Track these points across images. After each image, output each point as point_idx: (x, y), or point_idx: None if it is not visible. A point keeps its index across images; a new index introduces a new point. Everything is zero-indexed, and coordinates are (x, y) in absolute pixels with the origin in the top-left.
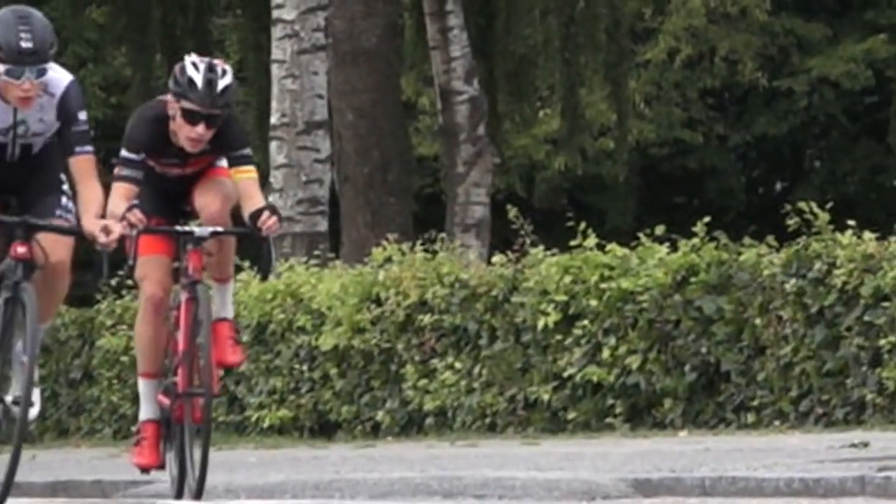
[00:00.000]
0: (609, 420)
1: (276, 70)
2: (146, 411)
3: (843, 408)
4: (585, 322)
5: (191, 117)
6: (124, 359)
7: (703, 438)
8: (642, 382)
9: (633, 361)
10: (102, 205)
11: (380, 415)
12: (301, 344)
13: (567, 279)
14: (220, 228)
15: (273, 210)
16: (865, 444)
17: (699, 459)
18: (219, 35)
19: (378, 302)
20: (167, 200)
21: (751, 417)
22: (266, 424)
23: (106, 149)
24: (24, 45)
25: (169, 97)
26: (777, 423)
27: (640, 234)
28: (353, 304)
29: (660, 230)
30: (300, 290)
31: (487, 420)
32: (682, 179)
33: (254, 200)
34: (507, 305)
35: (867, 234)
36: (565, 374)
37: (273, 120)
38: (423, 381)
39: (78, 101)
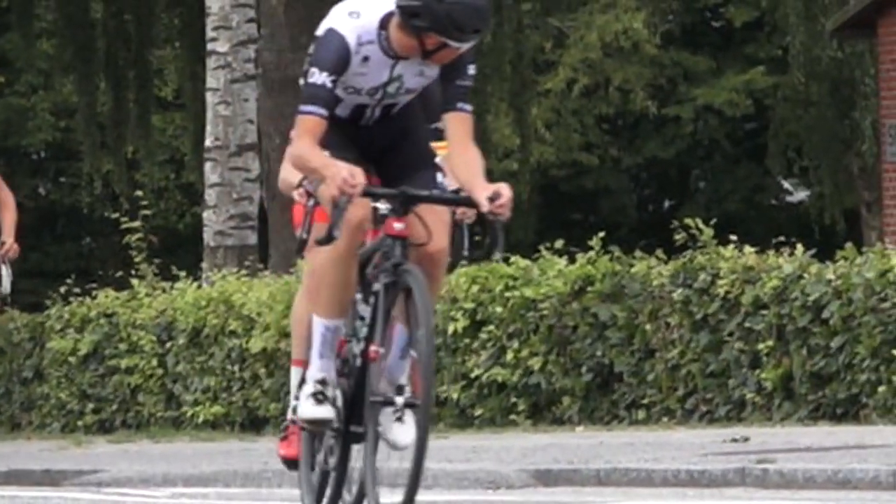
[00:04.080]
0: (512, 416)
1: (210, 97)
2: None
3: (725, 406)
4: (491, 327)
5: None
6: (72, 359)
7: (598, 433)
8: (543, 382)
9: (535, 363)
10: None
11: None
12: (233, 346)
13: (475, 288)
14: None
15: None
16: (746, 439)
17: (594, 452)
18: (158, 65)
19: None
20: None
21: (641, 414)
22: (201, 419)
23: (56, 167)
24: (486, 9)
25: None
26: (665, 419)
27: (541, 248)
28: (280, 311)
29: (559, 244)
30: (232, 297)
31: None
32: (580, 198)
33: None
34: None
35: (747, 248)
36: (473, 375)
37: (207, 143)
38: None
39: (470, 54)
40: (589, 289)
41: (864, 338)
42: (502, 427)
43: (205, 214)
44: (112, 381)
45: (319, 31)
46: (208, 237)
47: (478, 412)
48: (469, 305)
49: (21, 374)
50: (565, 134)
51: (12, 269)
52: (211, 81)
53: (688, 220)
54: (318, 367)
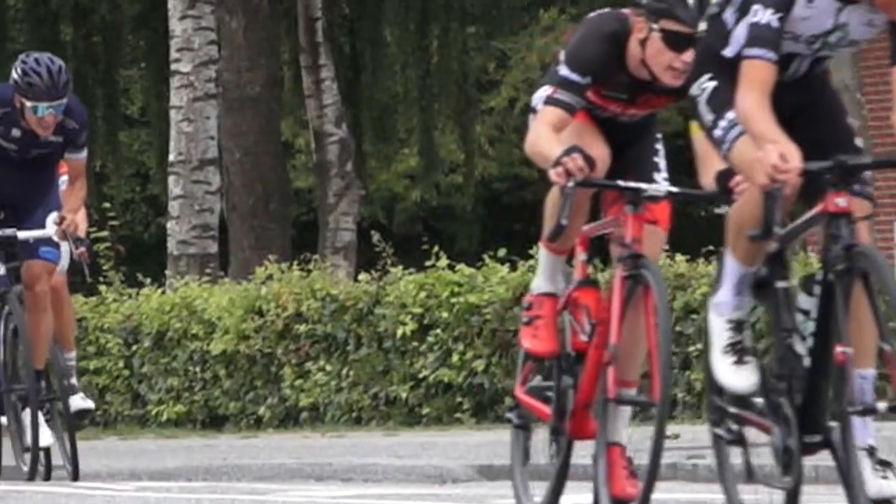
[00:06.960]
0: (458, 415)
1: (174, 115)
2: (543, 285)
3: None
4: (438, 331)
5: (676, 42)
6: None
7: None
8: (486, 383)
9: (479, 365)
10: None
11: (262, 410)
12: (194, 349)
13: (422, 294)
14: (675, 189)
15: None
16: (677, 436)
17: (534, 449)
18: (125, 84)
19: (260, 313)
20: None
21: None
22: (164, 418)
23: None
24: None
25: (631, 12)
26: None
27: (485, 256)
28: (239, 315)
29: (501, 253)
30: (194, 302)
31: (354, 415)
32: (521, 209)
33: (716, 160)
34: (371, 317)
35: (679, 257)
36: (420, 376)
37: (171, 157)
38: (298, 381)
39: None
40: None
41: None
42: (448, 425)
43: (168, 225)
44: (81, 381)
45: None
46: (172, 246)
47: (425, 411)
48: (417, 310)
49: None
50: (507, 149)
51: (88, 253)
52: (174, 100)
53: None
54: (734, 305)
